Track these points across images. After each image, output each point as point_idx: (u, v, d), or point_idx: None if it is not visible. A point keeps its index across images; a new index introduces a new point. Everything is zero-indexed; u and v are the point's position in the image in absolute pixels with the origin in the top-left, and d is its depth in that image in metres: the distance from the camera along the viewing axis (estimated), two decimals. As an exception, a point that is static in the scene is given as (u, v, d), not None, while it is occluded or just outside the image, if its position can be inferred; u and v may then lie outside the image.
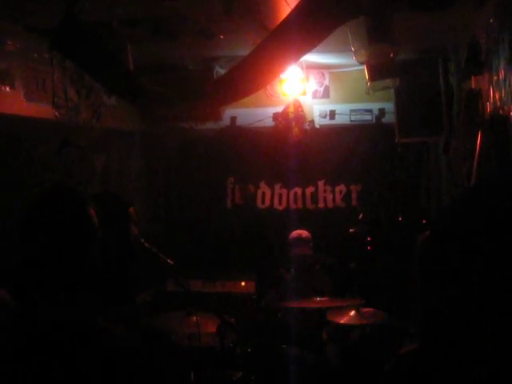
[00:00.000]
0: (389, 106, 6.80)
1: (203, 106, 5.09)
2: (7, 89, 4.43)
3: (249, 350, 5.06)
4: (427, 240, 2.06)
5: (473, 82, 4.80)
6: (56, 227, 2.27)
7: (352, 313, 5.16)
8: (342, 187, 7.11)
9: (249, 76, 4.15)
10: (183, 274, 4.60)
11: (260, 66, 4.06)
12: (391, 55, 4.19)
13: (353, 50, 4.31)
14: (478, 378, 1.63)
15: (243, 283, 6.84)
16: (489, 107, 4.33)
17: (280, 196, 7.25)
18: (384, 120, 6.96)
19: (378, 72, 4.59)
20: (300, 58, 4.32)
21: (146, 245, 3.99)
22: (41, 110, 4.86)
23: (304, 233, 5.90)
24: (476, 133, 4.41)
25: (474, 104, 4.69)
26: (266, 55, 4.03)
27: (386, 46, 4.18)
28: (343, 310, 5.24)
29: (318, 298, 5.25)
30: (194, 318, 4.67)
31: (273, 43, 3.97)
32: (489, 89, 4.31)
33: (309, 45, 4.09)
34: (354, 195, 7.08)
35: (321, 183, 7.16)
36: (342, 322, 5.10)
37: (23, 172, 4.54)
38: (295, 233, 5.92)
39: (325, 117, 7.16)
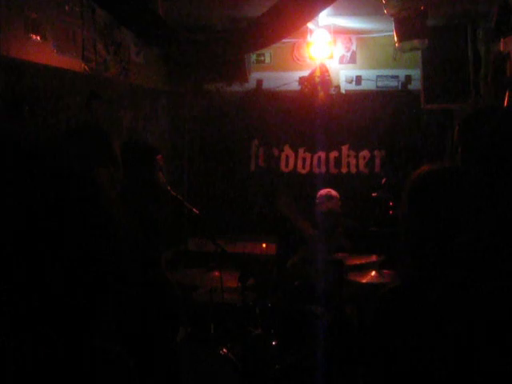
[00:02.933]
0: (415, 73, 6.77)
1: (232, 53, 5.11)
2: (38, 38, 4.48)
3: (269, 305, 5.13)
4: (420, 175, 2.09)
5: (502, 45, 4.78)
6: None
7: (373, 273, 5.20)
8: (365, 153, 7.12)
9: (279, 20, 4.16)
10: (206, 225, 4.68)
11: (290, 11, 4.07)
12: (421, 8, 4.18)
13: (383, 1, 4.29)
14: (457, 310, 1.66)
15: (264, 245, 6.91)
16: (517, 69, 4.32)
17: (303, 160, 7.27)
18: (410, 87, 6.95)
19: (406, 31, 4.58)
20: (330, 4, 4.29)
21: (173, 193, 4.06)
22: (70, 62, 4.91)
23: (333, 191, 5.98)
24: (503, 94, 4.40)
25: (503, 66, 4.68)
26: (296, 1, 4.04)
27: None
28: (364, 269, 5.29)
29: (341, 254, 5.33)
30: (216, 272, 4.75)
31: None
32: (517, 50, 4.30)
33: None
34: (377, 161, 7.09)
35: (345, 148, 7.17)
36: (363, 281, 5.15)
37: (52, 122, 4.60)
38: (324, 190, 5.99)
39: (351, 82, 7.17)
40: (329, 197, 5.92)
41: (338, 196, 5.98)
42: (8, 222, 1.08)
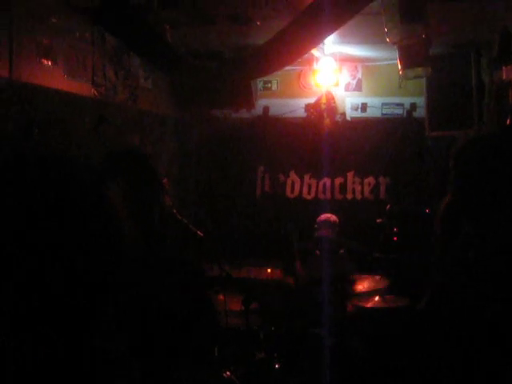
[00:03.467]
0: (420, 101, 6.86)
1: (239, 77, 5.20)
2: (49, 63, 4.57)
3: (272, 329, 5.16)
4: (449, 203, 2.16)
5: (504, 73, 4.86)
6: None
7: (376, 298, 5.24)
8: (370, 179, 7.18)
9: (285, 47, 4.25)
10: (211, 248, 4.71)
11: (295, 38, 4.16)
12: (423, 36, 4.26)
13: (386, 30, 4.38)
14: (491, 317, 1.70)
15: (269, 270, 6.93)
16: (519, 96, 4.39)
17: (309, 186, 7.34)
18: (415, 114, 7.03)
19: (410, 59, 4.66)
20: (334, 30, 4.37)
21: (178, 216, 4.11)
22: (80, 87, 5.00)
23: (332, 217, 6.01)
24: (505, 121, 4.46)
25: (505, 94, 4.75)
26: (301, 27, 4.13)
27: (418, 26, 4.25)
28: (367, 295, 5.32)
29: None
30: (221, 296, 4.77)
31: (308, 17, 4.07)
32: (519, 78, 4.37)
33: (342, 18, 4.18)
34: (382, 188, 7.14)
35: (350, 175, 7.23)
36: (367, 306, 5.18)
37: (61, 146, 4.68)
38: (324, 216, 6.03)
39: (356, 109, 7.26)
40: (326, 223, 5.96)
41: (336, 221, 6.00)
42: (9, 223, 1.13)
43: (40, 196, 1.15)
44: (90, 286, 1.15)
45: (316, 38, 4.41)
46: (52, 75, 4.63)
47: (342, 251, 6.11)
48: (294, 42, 4.24)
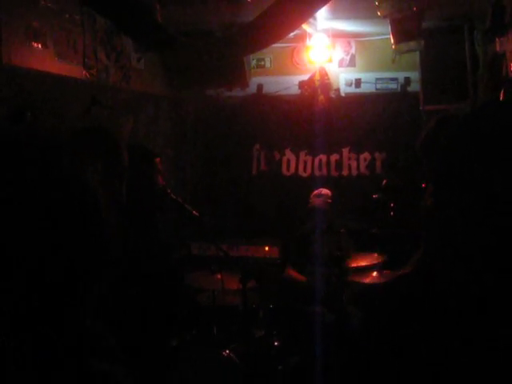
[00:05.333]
0: (414, 75, 6.82)
1: (230, 54, 5.16)
2: (39, 46, 4.54)
3: (270, 306, 5.17)
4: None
5: (497, 45, 4.83)
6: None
7: (374, 273, 5.24)
8: (366, 155, 7.17)
9: (275, 21, 4.22)
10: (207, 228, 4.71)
11: (285, 12, 4.12)
12: (414, 9, 4.23)
13: (376, 3, 4.35)
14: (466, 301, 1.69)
15: (267, 248, 6.93)
16: (512, 68, 4.37)
17: (305, 163, 7.32)
18: (409, 89, 7.00)
19: (402, 32, 4.63)
20: (324, 3, 4.33)
21: (173, 196, 4.10)
22: (71, 69, 4.97)
23: (324, 190, 6.02)
24: (499, 94, 4.45)
25: (498, 66, 4.72)
26: (291, 1, 4.09)
27: (408, -1, 4.22)
28: (365, 271, 5.33)
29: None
30: (219, 275, 4.78)
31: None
32: (512, 49, 4.35)
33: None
34: (378, 163, 7.13)
35: (345, 151, 7.22)
36: (365, 281, 5.19)
37: (53, 128, 4.66)
38: (317, 190, 6.05)
39: (350, 85, 7.22)
40: (318, 195, 5.98)
41: (328, 193, 6.01)
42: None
43: (19, 183, 1.14)
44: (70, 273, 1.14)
45: (306, 12, 4.37)
46: (42, 58, 4.60)
47: (342, 230, 6.11)
48: (283, 15, 4.20)
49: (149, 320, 3.48)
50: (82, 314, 1.20)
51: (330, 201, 5.99)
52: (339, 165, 7.24)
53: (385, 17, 4.48)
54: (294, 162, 7.34)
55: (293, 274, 5.95)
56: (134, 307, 3.29)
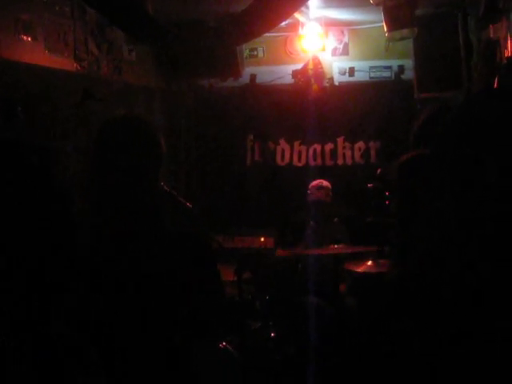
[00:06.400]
0: (408, 63, 6.78)
1: (221, 45, 5.12)
2: (29, 39, 4.50)
3: (266, 298, 5.16)
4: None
5: (491, 32, 4.80)
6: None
7: (369, 262, 5.22)
8: (361, 144, 7.14)
9: (267, 10, 4.18)
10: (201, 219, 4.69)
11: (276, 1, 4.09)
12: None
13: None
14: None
15: (262, 239, 6.91)
16: (506, 54, 4.33)
17: (299, 153, 7.30)
18: (403, 77, 6.96)
19: (395, 20, 4.60)
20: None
21: (166, 188, 4.06)
22: (62, 62, 4.94)
23: (324, 182, 6.01)
24: (493, 80, 4.42)
25: (492, 53, 4.69)
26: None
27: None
28: (360, 259, 5.31)
29: (336, 246, 5.35)
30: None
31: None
32: (506, 36, 4.31)
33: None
34: (372, 152, 7.11)
35: (340, 140, 7.19)
36: (359, 270, 5.17)
37: (46, 121, 4.62)
38: (316, 181, 6.04)
39: (344, 74, 7.19)
40: (319, 187, 5.97)
41: (329, 186, 6.01)
42: None
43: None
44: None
45: (298, 0, 4.34)
46: (33, 51, 4.57)
47: (336, 220, 6.11)
48: (275, 4, 4.16)
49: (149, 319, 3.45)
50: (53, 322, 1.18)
51: (331, 194, 5.99)
52: (334, 154, 7.22)
53: (377, 5, 4.45)
54: (289, 152, 7.31)
55: (284, 253, 5.95)
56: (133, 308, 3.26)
